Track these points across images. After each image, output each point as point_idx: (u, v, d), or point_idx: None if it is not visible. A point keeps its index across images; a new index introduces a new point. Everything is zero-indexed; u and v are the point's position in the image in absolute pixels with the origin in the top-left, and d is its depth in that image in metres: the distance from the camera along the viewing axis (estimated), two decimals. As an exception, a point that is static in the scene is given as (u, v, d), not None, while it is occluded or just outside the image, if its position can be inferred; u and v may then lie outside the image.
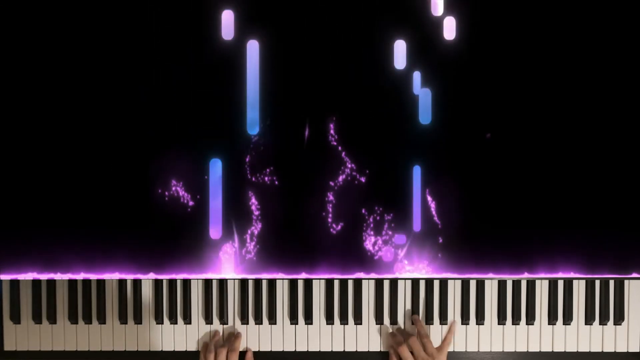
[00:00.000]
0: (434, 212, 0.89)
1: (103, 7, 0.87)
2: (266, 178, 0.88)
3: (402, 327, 0.97)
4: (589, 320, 0.96)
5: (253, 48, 0.87)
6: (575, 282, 0.96)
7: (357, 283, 0.96)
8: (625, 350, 0.96)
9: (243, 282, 0.96)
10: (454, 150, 0.88)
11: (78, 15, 0.87)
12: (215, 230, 0.89)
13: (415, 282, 0.96)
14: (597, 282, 0.96)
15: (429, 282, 0.96)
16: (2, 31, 0.87)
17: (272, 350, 0.97)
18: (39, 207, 0.88)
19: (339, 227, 0.89)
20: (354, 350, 0.97)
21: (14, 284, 0.96)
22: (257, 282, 0.96)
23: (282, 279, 0.92)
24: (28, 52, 0.87)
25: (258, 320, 0.96)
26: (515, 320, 0.96)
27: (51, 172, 0.88)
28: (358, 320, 0.96)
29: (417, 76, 0.87)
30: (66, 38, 0.87)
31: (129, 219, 0.89)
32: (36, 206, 0.88)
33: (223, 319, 0.96)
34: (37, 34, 0.87)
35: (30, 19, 0.87)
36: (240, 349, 0.95)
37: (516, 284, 0.96)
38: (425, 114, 0.88)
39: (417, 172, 0.89)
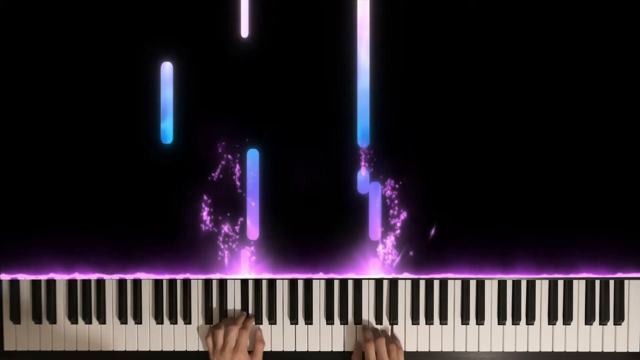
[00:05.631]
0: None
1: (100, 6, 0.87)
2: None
3: (404, 327, 0.97)
4: (589, 320, 0.96)
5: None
6: (575, 282, 0.96)
7: (357, 283, 0.96)
8: (625, 350, 0.96)
9: (243, 282, 0.96)
10: (455, 150, 0.89)
11: (75, 14, 0.87)
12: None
13: (415, 282, 0.96)
14: (597, 282, 0.96)
15: (429, 282, 0.96)
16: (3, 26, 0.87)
17: (272, 350, 0.97)
18: (39, 208, 0.88)
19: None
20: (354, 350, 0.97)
21: (14, 284, 0.96)
22: (257, 282, 0.96)
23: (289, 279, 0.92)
24: (29, 53, 0.87)
25: (258, 320, 0.96)
26: (515, 320, 0.96)
27: (51, 173, 0.88)
28: (358, 320, 0.96)
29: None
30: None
31: (129, 218, 0.89)
32: (36, 206, 0.88)
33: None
34: (37, 34, 0.87)
35: (32, 17, 0.87)
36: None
37: (516, 284, 0.96)
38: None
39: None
